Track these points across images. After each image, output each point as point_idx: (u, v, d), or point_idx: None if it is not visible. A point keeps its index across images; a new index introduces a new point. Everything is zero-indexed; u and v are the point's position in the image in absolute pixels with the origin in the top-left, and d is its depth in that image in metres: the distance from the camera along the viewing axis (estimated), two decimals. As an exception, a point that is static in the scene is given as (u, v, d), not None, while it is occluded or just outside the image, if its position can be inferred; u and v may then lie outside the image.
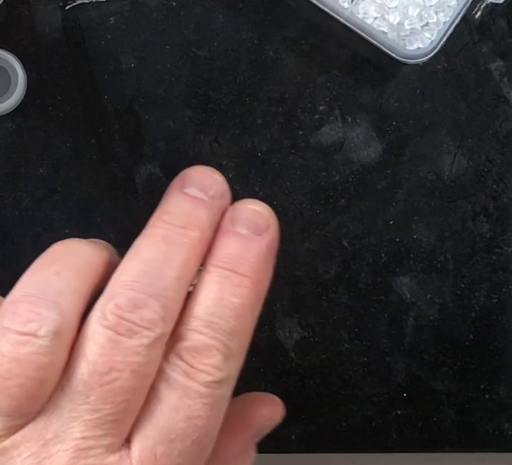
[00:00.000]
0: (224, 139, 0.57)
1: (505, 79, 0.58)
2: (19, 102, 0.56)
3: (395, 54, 0.55)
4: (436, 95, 0.58)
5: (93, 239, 0.31)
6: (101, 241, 0.30)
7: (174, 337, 0.28)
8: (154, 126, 0.57)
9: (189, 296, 0.28)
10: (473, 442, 0.58)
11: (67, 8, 0.57)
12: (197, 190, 0.30)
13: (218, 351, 0.27)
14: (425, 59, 0.55)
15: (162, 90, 0.57)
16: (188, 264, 0.28)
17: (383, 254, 0.58)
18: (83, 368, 0.26)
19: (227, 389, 0.29)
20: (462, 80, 0.58)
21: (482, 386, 0.58)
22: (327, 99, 0.58)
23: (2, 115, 0.56)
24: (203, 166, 0.30)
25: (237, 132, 0.57)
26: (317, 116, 0.58)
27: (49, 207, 0.57)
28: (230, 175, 0.57)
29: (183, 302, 0.28)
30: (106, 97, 0.57)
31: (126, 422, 0.27)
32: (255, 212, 0.30)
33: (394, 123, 0.58)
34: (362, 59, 0.58)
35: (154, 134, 0.57)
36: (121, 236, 0.57)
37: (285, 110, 0.58)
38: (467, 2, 0.55)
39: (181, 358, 0.27)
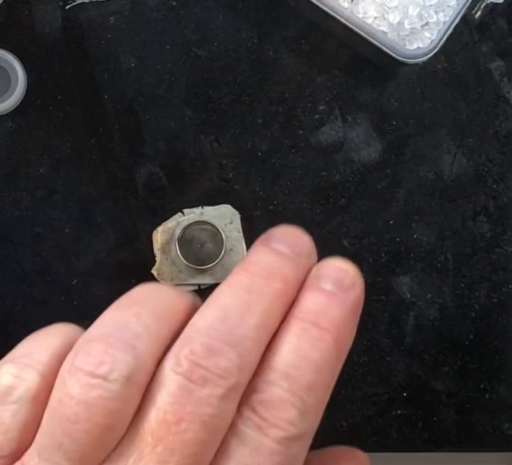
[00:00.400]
0: (224, 138, 0.57)
1: (505, 79, 0.58)
2: (19, 102, 0.56)
3: (395, 54, 0.55)
4: (436, 95, 0.58)
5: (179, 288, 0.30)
6: (189, 291, 0.29)
7: (249, 389, 0.26)
8: (154, 126, 0.57)
9: (267, 348, 0.27)
10: (473, 441, 0.58)
11: (67, 7, 0.57)
12: (283, 246, 0.29)
13: (293, 406, 0.26)
14: (425, 58, 0.55)
15: (162, 90, 0.57)
16: (269, 314, 0.27)
17: (383, 254, 0.58)
18: (152, 416, 0.25)
19: (302, 448, 0.27)
20: (462, 80, 0.58)
21: (482, 386, 0.58)
22: (327, 99, 0.58)
23: (2, 115, 0.56)
24: (290, 226, 0.30)
25: (237, 131, 0.57)
26: (317, 116, 0.58)
27: (49, 207, 0.57)
28: (230, 174, 0.57)
29: (261, 353, 0.27)
30: (106, 97, 0.57)
31: None
32: (341, 270, 0.29)
33: (394, 123, 0.58)
34: (362, 59, 0.58)
35: (154, 134, 0.57)
36: (121, 235, 0.57)
37: (285, 109, 0.58)
38: (467, 1, 0.55)
39: (254, 411, 0.26)
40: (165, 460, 0.25)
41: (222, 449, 0.26)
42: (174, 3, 0.58)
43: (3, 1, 0.56)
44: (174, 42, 0.57)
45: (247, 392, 0.26)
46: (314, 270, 0.29)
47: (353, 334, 0.28)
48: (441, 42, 0.55)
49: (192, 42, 0.57)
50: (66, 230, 0.57)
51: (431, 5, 0.56)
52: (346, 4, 0.55)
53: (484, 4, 0.57)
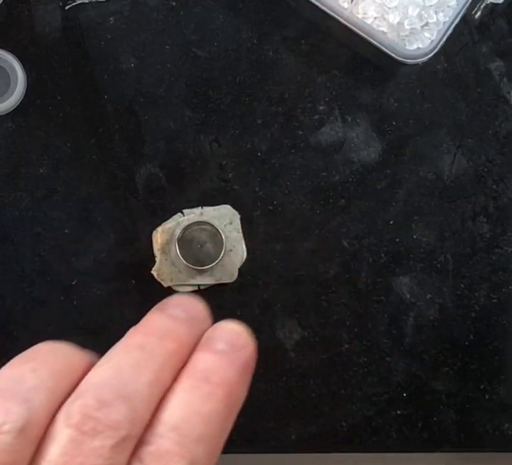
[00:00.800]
0: (223, 139, 0.57)
1: (505, 79, 0.58)
2: (19, 102, 0.56)
3: (395, 54, 0.55)
4: (436, 95, 0.58)
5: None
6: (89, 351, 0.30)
7: (139, 442, 0.27)
8: (154, 126, 0.57)
9: (160, 404, 0.28)
10: (473, 442, 0.58)
11: (67, 7, 0.57)
12: (179, 310, 0.30)
13: (182, 458, 0.26)
14: (424, 59, 0.55)
15: (162, 90, 0.57)
16: (161, 373, 0.28)
17: (382, 254, 0.58)
18: None
19: None
20: (462, 80, 0.58)
21: (482, 386, 0.58)
22: (327, 99, 0.58)
23: (2, 115, 0.56)
24: (186, 295, 0.31)
25: (237, 132, 0.57)
26: (316, 116, 0.58)
27: (49, 207, 0.57)
28: (230, 175, 0.57)
29: (154, 408, 0.27)
30: (106, 97, 0.57)
31: None
32: (234, 332, 0.30)
33: (394, 123, 0.58)
34: (362, 59, 0.58)
35: (154, 134, 0.57)
36: (121, 235, 0.57)
37: (285, 110, 0.58)
38: (466, 2, 0.55)
39: (142, 463, 0.26)
40: None
41: None
42: (174, 3, 0.58)
43: (3, 1, 0.56)
44: (174, 42, 0.57)
45: (137, 445, 0.27)
46: (208, 332, 0.30)
47: (245, 392, 0.29)
48: (441, 42, 0.55)
49: (192, 43, 0.57)
50: (66, 230, 0.57)
51: (431, 5, 0.56)
52: (346, 5, 0.55)
53: (484, 4, 0.57)
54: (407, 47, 0.55)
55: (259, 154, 0.57)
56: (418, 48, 0.55)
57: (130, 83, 0.57)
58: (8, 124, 0.57)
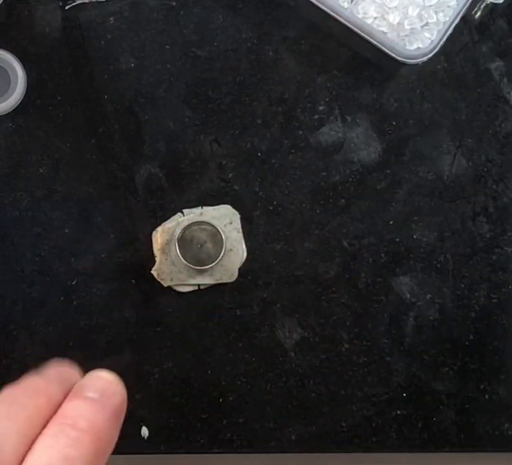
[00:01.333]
0: (223, 139, 0.57)
1: (505, 79, 0.58)
2: (19, 102, 0.56)
3: (395, 54, 0.55)
4: (436, 95, 0.58)
5: None
6: None
7: None
8: (154, 126, 0.57)
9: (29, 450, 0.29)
10: (473, 442, 0.58)
11: (67, 8, 0.57)
12: (53, 372, 0.31)
13: None
14: (424, 59, 0.55)
15: (162, 90, 0.57)
16: (30, 423, 0.28)
17: (382, 254, 0.58)
18: None
19: None
20: (462, 80, 0.58)
21: (482, 386, 0.58)
22: (327, 99, 0.58)
23: (2, 115, 0.56)
24: (63, 362, 0.32)
25: (237, 132, 0.57)
26: (316, 116, 0.58)
27: (49, 207, 0.57)
28: (230, 175, 0.57)
29: (22, 455, 0.28)
30: (106, 97, 0.57)
31: None
32: (103, 379, 0.31)
33: (394, 123, 0.58)
34: (362, 59, 0.58)
35: (154, 134, 0.57)
36: (121, 236, 0.57)
37: (285, 110, 0.58)
38: (466, 2, 0.55)
39: None
40: None
41: None
42: (174, 3, 0.58)
43: (3, 1, 0.56)
44: (174, 42, 0.57)
45: None
46: (79, 381, 0.31)
47: (115, 438, 0.29)
48: (441, 42, 0.55)
49: (192, 43, 0.57)
50: (66, 230, 0.57)
51: (431, 5, 0.56)
52: (346, 5, 0.55)
53: (484, 4, 0.57)
54: (407, 47, 0.55)
55: (259, 154, 0.57)
56: (418, 48, 0.56)
57: (130, 83, 0.57)
58: (8, 124, 0.57)
